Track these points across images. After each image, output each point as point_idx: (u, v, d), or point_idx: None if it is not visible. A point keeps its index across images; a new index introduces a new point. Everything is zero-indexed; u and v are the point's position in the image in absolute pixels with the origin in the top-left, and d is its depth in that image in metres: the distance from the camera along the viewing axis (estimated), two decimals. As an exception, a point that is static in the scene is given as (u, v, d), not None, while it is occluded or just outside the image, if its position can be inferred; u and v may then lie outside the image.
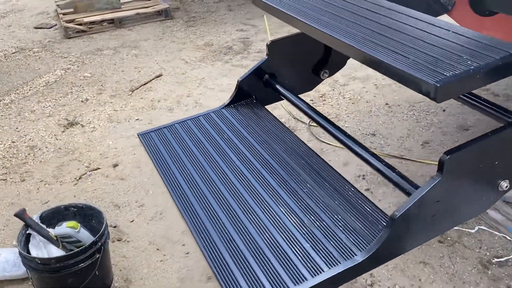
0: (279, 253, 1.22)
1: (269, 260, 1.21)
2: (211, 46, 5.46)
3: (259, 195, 1.41)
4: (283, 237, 1.25)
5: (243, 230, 1.30)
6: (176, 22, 6.29)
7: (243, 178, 1.49)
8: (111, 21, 6.20)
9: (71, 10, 6.40)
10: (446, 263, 2.44)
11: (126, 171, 3.34)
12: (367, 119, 3.76)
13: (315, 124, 3.70)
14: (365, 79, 4.40)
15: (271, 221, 1.30)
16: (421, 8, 2.63)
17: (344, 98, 4.09)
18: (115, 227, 2.84)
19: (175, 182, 1.53)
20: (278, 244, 1.24)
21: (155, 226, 2.83)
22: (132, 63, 5.13)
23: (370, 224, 1.25)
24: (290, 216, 1.32)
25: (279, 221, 1.30)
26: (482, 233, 2.60)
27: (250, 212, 1.36)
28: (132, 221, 2.89)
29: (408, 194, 1.26)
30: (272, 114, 1.83)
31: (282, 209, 1.34)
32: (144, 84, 4.61)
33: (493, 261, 2.44)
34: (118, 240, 2.74)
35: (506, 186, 1.38)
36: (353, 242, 1.21)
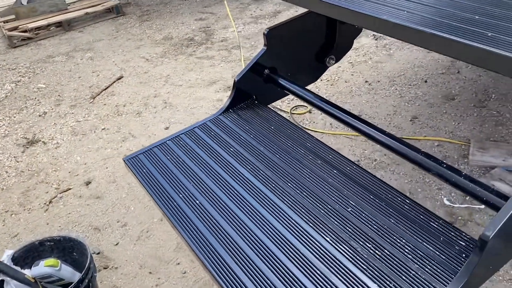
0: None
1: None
2: (171, 39, 5.14)
3: (290, 218, 1.14)
4: (339, 275, 1.00)
5: (281, 268, 1.03)
6: (129, 18, 5.92)
7: (261, 196, 1.21)
8: (59, 24, 5.76)
9: (12, 17, 5.90)
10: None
11: (101, 188, 3.04)
12: (350, 100, 3.58)
13: (297, 112, 3.49)
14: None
15: (317, 255, 1.02)
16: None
17: (321, 80, 3.88)
18: (98, 253, 2.55)
19: (175, 207, 1.24)
20: (334, 286, 0.99)
21: (143, 246, 2.56)
22: (88, 67, 4.75)
23: (445, 246, 1.02)
24: (340, 246, 1.04)
25: (329, 255, 1.04)
26: (492, 207, 2.47)
27: (284, 242, 1.08)
28: (116, 244, 2.61)
29: (494, 207, 1.04)
30: (279, 114, 1.58)
31: (327, 238, 1.07)
32: (105, 88, 4.27)
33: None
34: (104, 268, 2.46)
35: None
36: (432, 274, 0.96)
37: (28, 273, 2.05)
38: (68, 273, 2.11)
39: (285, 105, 3.59)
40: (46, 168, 3.30)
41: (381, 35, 4.48)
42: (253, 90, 1.59)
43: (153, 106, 3.89)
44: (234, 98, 1.56)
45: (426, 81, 3.65)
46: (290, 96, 3.68)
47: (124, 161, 1.47)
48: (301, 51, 1.60)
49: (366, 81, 3.79)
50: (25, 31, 5.57)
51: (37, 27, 5.63)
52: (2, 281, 2.02)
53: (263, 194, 1.23)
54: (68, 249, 2.19)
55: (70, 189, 3.07)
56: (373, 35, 4.52)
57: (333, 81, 3.86)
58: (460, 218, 2.45)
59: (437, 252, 1.01)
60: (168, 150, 1.42)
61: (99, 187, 3.05)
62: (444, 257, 1.00)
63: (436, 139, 3.02)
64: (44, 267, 2.06)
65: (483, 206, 2.49)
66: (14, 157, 3.46)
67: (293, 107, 3.54)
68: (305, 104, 3.50)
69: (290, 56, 1.58)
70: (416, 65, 3.90)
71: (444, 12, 1.07)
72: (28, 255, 2.15)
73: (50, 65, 4.90)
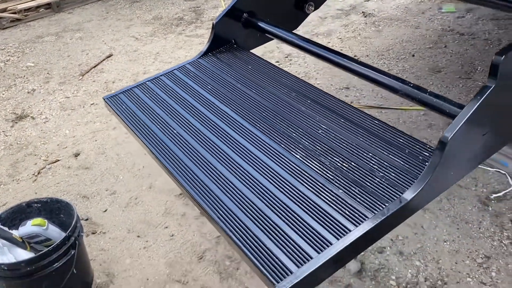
0: (309, 205, 0.98)
1: (299, 216, 0.98)
2: (161, 19, 5.13)
3: (263, 141, 1.15)
4: (307, 186, 1.03)
5: (256, 185, 1.05)
6: (119, 0, 5.88)
7: (239, 126, 1.23)
8: (48, 5, 5.72)
9: (1, -2, 5.85)
10: (446, 206, 2.34)
11: (90, 160, 3.05)
12: (338, 74, 3.60)
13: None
14: (328, 34, 4.22)
15: (288, 171, 1.05)
16: None
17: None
18: (87, 219, 2.57)
19: (157, 140, 1.25)
20: (304, 195, 1.01)
21: (132, 212, 2.58)
22: (78, 46, 4.74)
23: (409, 157, 1.05)
24: (309, 161, 1.08)
25: (298, 168, 1.07)
26: (476, 170, 2.51)
27: (259, 163, 1.11)
28: (105, 210, 2.62)
29: (450, 115, 1.07)
30: (257, 55, 1.59)
31: (297, 155, 1.10)
32: (95, 66, 4.26)
33: (491, 197, 2.36)
34: (92, 233, 2.48)
35: None
36: (396, 180, 1.00)
37: (15, 233, 2.07)
38: (56, 233, 2.12)
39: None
40: (34, 141, 3.30)
41: (371, 12, 4.50)
42: (232, 34, 1.60)
43: (143, 82, 3.89)
44: (212, 42, 1.59)
45: (413, 55, 3.68)
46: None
47: (104, 99, 1.48)
48: (278, -3, 1.61)
49: (355, 56, 3.81)
50: (14, 13, 5.53)
51: (26, 9, 5.59)
52: (-10, 239, 2.03)
53: (237, 122, 1.26)
54: (55, 210, 2.21)
55: (58, 160, 3.08)
56: (363, 12, 4.54)
57: (321, 56, 3.87)
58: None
59: (401, 162, 1.04)
60: (148, 89, 1.43)
61: (88, 158, 3.06)
62: (408, 166, 1.03)
63: (422, 109, 3.05)
64: (31, 226, 2.07)
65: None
66: (2, 131, 3.46)
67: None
68: (289, 46, 3.44)
69: (269, 2, 1.58)
70: (404, 40, 3.92)
71: None
72: (16, 216, 2.16)
73: (40, 45, 4.88)
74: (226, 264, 2.20)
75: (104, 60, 4.35)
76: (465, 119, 0.95)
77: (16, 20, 5.52)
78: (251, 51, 1.62)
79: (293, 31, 1.55)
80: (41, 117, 3.57)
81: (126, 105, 1.38)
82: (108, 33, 4.96)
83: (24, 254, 2.03)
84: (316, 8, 1.74)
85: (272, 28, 1.53)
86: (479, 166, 2.51)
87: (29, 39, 5.05)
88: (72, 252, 1.98)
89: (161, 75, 1.51)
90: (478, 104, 0.96)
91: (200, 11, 5.15)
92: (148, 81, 1.49)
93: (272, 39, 1.60)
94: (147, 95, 1.42)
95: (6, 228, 2.06)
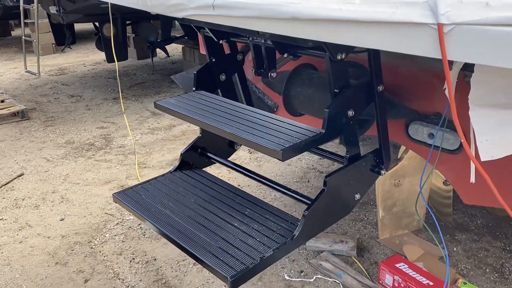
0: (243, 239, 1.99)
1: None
2: (73, 143, 5.72)
3: (225, 214, 2.22)
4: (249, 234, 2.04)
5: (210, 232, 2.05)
6: (34, 122, 6.41)
7: (208, 211, 2.23)
8: (-39, 123, 6.08)
9: None
10: (294, 308, 3.03)
11: (-5, 270, 3.37)
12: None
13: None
14: (219, 166, 5.08)
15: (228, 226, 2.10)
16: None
17: (202, 183, 4.68)
18: (-11, 325, 2.87)
19: (161, 220, 2.14)
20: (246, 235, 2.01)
21: (33, 317, 2.94)
22: (-11, 164, 5.11)
23: (292, 222, 2.10)
24: (245, 223, 2.13)
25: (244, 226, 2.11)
26: (319, 280, 3.27)
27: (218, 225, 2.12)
28: (7, 316, 2.95)
29: (307, 204, 2.05)
30: (208, 173, 2.65)
31: (238, 222, 2.15)
32: (5, 184, 4.65)
33: (328, 300, 3.10)
34: (-7, 337, 2.79)
35: (358, 197, 2.21)
36: (284, 233, 2.02)
37: None
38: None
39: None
40: None
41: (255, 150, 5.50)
42: (192, 160, 2.64)
43: (51, 201, 4.35)
44: (180, 164, 2.58)
45: (284, 187, 4.60)
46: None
47: (113, 195, 2.34)
48: (219, 139, 2.58)
49: (239, 185, 4.65)
50: None
51: None
52: None
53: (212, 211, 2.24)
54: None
55: (-36, 271, 3.36)
56: (249, 150, 5.52)
57: (211, 185, 4.67)
58: (295, 288, 3.20)
59: (286, 226, 2.08)
60: (143, 190, 2.37)
61: (-7, 269, 3.39)
62: (291, 226, 2.07)
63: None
64: None
65: (312, 279, 3.28)
66: None
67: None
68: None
69: (213, 141, 2.68)
70: (278, 174, 4.88)
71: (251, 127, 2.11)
72: None
73: (-50, 160, 5.17)
74: None
75: (15, 178, 4.77)
76: (313, 205, 1.95)
77: None
78: (203, 169, 2.68)
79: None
80: None
81: (132, 199, 2.29)
82: (21, 153, 5.41)
83: None
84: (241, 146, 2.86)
85: (216, 158, 2.65)
86: (322, 277, 3.30)
87: None
88: None
89: (150, 181, 2.45)
90: (319, 198, 1.98)
91: (110, 139, 5.84)
92: (140, 185, 2.42)
93: (215, 162, 2.73)
94: (143, 193, 2.34)
95: None
